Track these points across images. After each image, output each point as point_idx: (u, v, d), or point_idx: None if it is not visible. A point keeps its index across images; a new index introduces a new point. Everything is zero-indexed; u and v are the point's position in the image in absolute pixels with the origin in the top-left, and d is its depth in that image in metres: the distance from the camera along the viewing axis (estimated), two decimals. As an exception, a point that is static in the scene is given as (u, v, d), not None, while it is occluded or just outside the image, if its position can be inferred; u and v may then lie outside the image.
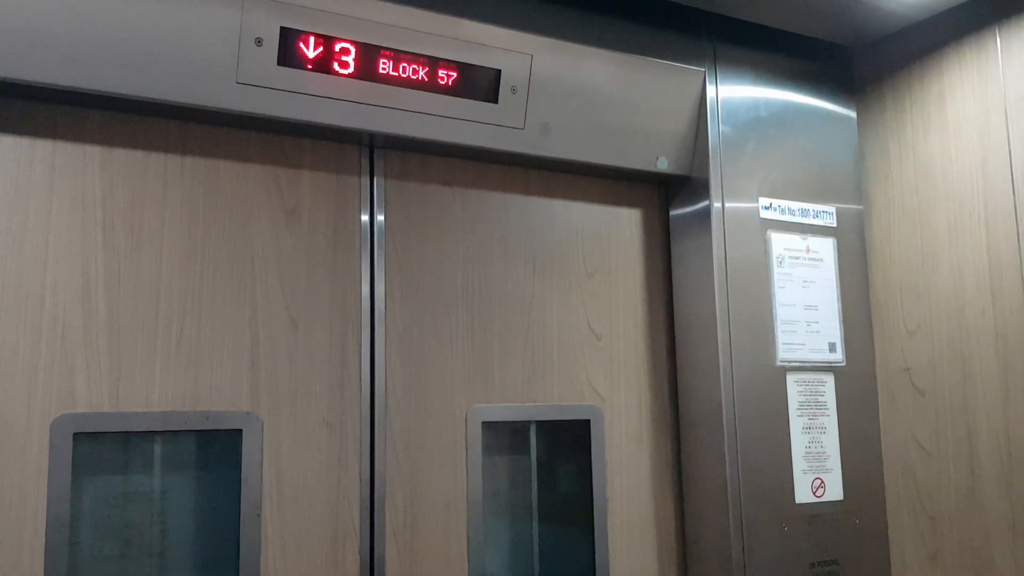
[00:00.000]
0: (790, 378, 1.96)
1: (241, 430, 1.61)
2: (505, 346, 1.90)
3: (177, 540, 1.56)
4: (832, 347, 2.03)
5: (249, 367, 1.64)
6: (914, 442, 2.01)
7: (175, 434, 1.58)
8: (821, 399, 1.99)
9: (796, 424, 1.95)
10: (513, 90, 1.80)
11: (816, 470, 1.96)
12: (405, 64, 1.70)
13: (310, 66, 1.62)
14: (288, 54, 1.60)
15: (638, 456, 2.01)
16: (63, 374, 1.49)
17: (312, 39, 1.61)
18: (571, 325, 1.98)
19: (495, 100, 1.79)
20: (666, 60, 1.95)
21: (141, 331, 1.56)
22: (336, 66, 1.64)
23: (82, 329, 1.52)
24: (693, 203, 2.02)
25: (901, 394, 2.04)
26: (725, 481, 1.87)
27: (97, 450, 1.52)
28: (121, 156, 1.59)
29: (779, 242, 2.01)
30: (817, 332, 2.01)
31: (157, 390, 1.56)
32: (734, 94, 2.02)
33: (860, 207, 2.14)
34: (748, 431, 1.90)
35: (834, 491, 1.97)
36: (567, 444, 1.96)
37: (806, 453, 1.95)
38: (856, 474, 2.01)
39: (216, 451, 1.61)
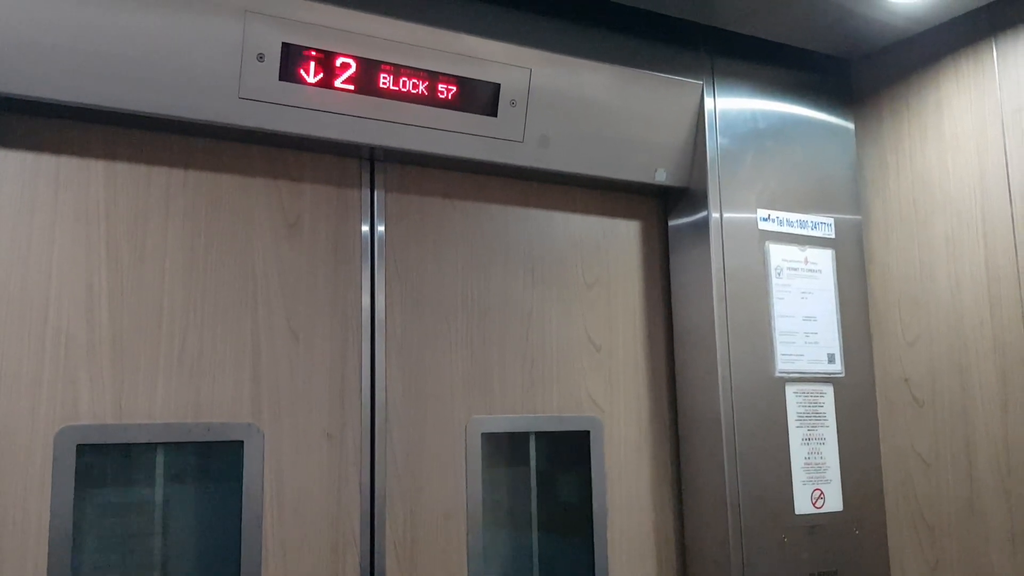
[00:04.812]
0: (789, 389, 1.97)
1: (242, 441, 1.62)
2: (505, 357, 1.91)
3: (179, 551, 1.57)
4: (831, 358, 2.04)
5: (250, 378, 1.65)
6: (913, 452, 2.01)
7: (177, 445, 1.59)
8: (820, 410, 2.00)
9: (795, 435, 1.96)
10: (512, 103, 1.82)
11: (815, 481, 1.96)
12: (405, 78, 1.72)
13: (311, 81, 1.64)
14: (289, 69, 1.62)
15: (637, 467, 2.02)
16: (66, 386, 1.51)
17: (313, 54, 1.63)
18: (570, 336, 1.99)
19: (494, 113, 1.81)
20: (664, 73, 1.97)
21: (144, 343, 1.58)
22: (337, 81, 1.66)
23: (85, 341, 1.53)
24: (691, 214, 2.03)
25: (900, 405, 2.05)
26: (724, 492, 1.87)
27: (100, 461, 1.53)
28: (124, 170, 1.61)
29: (777, 253, 2.02)
30: (816, 343, 2.02)
31: (159, 402, 1.58)
32: (732, 106, 2.04)
33: (858, 218, 2.15)
34: (747, 442, 1.90)
35: (834, 502, 1.98)
36: (567, 455, 1.97)
37: (805, 464, 1.96)
38: (856, 484, 2.01)
39: (218, 462, 1.62)
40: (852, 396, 2.05)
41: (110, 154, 1.60)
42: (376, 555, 1.70)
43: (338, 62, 1.66)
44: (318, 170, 1.78)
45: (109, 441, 1.52)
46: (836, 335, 2.05)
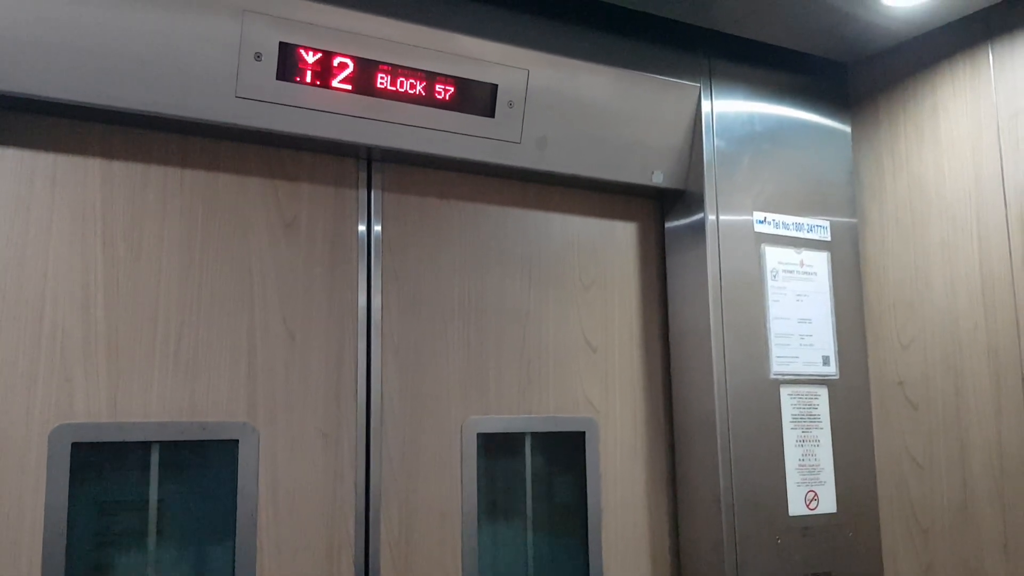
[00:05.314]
0: (784, 391, 1.98)
1: (238, 440, 1.62)
2: (501, 358, 1.91)
3: (173, 549, 1.57)
4: (826, 360, 2.04)
5: (246, 378, 1.65)
6: (907, 455, 2.02)
7: (172, 444, 1.59)
8: (815, 412, 2.00)
9: (790, 437, 1.96)
10: (510, 104, 1.82)
11: (809, 483, 1.97)
12: (403, 79, 1.72)
13: (309, 80, 1.64)
14: (287, 69, 1.62)
15: (632, 468, 2.02)
16: (62, 384, 1.51)
17: (311, 54, 1.63)
18: (567, 337, 1.99)
19: (492, 114, 1.81)
20: (662, 75, 1.97)
21: (139, 342, 1.58)
22: (334, 81, 1.66)
23: (81, 340, 1.53)
24: (688, 216, 2.04)
25: (894, 407, 2.05)
26: (719, 493, 1.88)
27: (95, 459, 1.53)
28: (121, 169, 1.61)
29: (773, 255, 2.02)
30: (811, 345, 2.03)
31: (155, 400, 1.58)
32: (729, 109, 2.04)
33: (854, 221, 2.16)
34: (742, 443, 1.91)
35: (827, 504, 1.98)
36: (562, 456, 1.97)
37: (799, 466, 1.96)
38: (849, 487, 2.02)
39: (213, 461, 1.62)
40: (847, 398, 2.06)
41: (107, 152, 1.60)
42: (371, 555, 1.71)
43: (335, 62, 1.66)
44: (315, 170, 1.78)
45: (104, 439, 1.52)
46: (831, 338, 2.06)
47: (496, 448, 1.90)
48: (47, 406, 1.49)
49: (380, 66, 1.69)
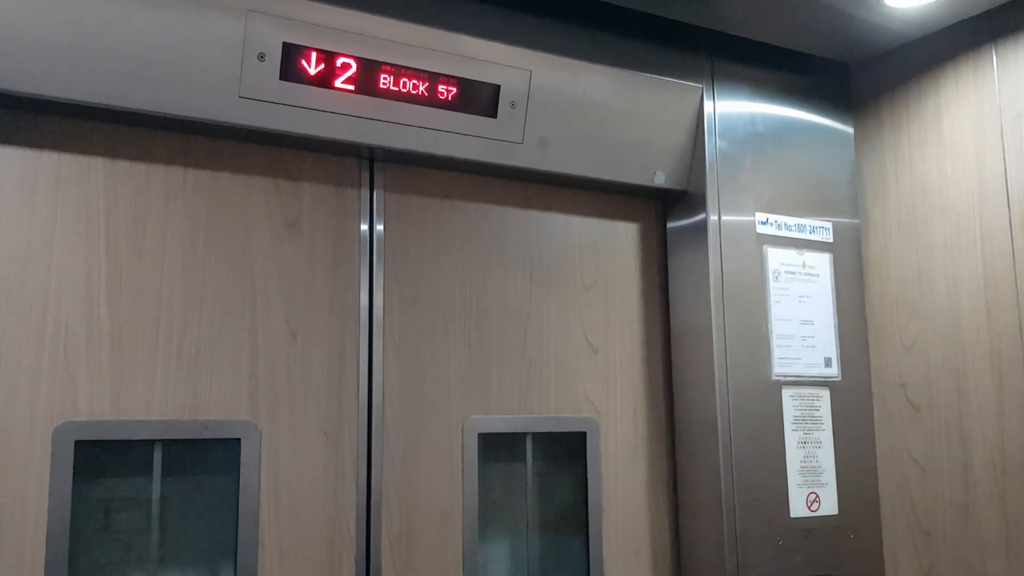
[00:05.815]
0: (785, 392, 1.98)
1: (240, 439, 1.63)
2: (502, 358, 1.91)
3: (175, 547, 1.58)
4: (828, 362, 2.04)
5: (248, 377, 1.66)
6: (909, 457, 2.01)
7: (174, 443, 1.60)
8: (816, 413, 2.00)
9: (791, 438, 1.96)
10: (512, 105, 1.83)
11: (811, 484, 1.97)
12: (405, 79, 1.72)
13: (312, 81, 1.64)
14: (290, 69, 1.62)
15: (633, 468, 2.02)
16: (65, 382, 1.51)
17: (314, 54, 1.64)
18: (568, 337, 2.00)
19: (494, 115, 1.81)
20: (664, 76, 1.97)
21: (142, 340, 1.58)
22: (337, 81, 1.66)
23: (84, 338, 1.54)
24: (690, 217, 2.04)
25: (896, 409, 2.05)
26: (720, 494, 1.88)
27: (98, 457, 1.54)
28: (125, 168, 1.62)
29: (775, 257, 2.02)
30: (813, 347, 2.02)
31: (157, 399, 1.58)
32: (731, 109, 2.04)
33: (857, 222, 2.16)
34: (743, 445, 1.91)
35: (829, 505, 1.98)
36: (563, 456, 1.97)
37: (801, 467, 1.96)
38: (851, 488, 2.02)
39: (215, 460, 1.63)
40: (848, 400, 2.06)
41: (111, 152, 1.61)
42: (372, 553, 1.71)
43: (339, 62, 1.66)
44: (318, 170, 1.79)
45: (107, 437, 1.53)
46: (833, 339, 2.06)
47: (497, 448, 1.90)
48: (50, 404, 1.50)
49: (383, 66, 1.70)
